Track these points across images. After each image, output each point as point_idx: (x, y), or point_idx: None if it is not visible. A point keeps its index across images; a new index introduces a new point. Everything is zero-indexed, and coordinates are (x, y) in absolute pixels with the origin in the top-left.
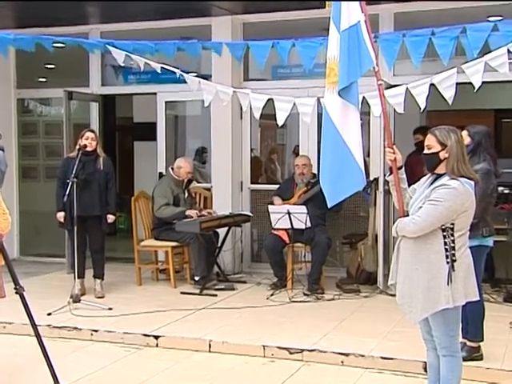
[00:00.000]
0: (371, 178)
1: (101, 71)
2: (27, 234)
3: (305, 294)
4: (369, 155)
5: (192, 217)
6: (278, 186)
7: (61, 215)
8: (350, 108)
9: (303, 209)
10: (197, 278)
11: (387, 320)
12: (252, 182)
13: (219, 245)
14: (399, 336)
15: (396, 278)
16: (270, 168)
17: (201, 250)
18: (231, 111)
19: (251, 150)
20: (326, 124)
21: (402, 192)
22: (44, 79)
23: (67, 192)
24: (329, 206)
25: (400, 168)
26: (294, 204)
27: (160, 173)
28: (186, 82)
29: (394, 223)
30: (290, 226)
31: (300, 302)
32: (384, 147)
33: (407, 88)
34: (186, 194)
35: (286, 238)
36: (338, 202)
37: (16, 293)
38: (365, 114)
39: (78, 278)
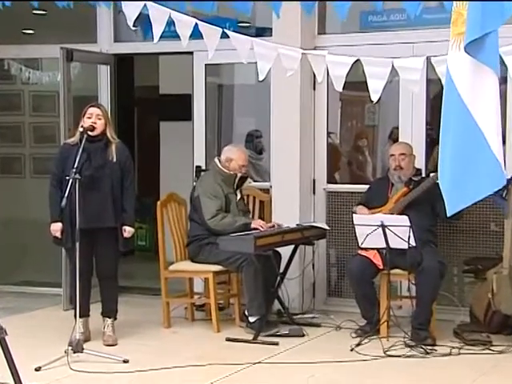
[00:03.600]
0: (508, 176)
1: (113, 21)
2: (8, 254)
3: (407, 346)
4: (504, 142)
5: (260, 228)
6: (367, 186)
7: (57, 227)
8: (486, 72)
9: (404, 220)
10: (250, 319)
11: None
12: (329, 181)
13: (282, 271)
14: None
15: None
16: (355, 160)
17: (256, 278)
18: (300, 80)
19: (328, 134)
20: (448, 96)
21: None
22: (31, 31)
23: (66, 194)
24: (448, 215)
25: None
26: (389, 212)
27: (197, 167)
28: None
29: None
30: (384, 245)
31: (400, 356)
32: None
33: None
34: (239, 196)
35: (378, 261)
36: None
37: None
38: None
39: (81, 316)
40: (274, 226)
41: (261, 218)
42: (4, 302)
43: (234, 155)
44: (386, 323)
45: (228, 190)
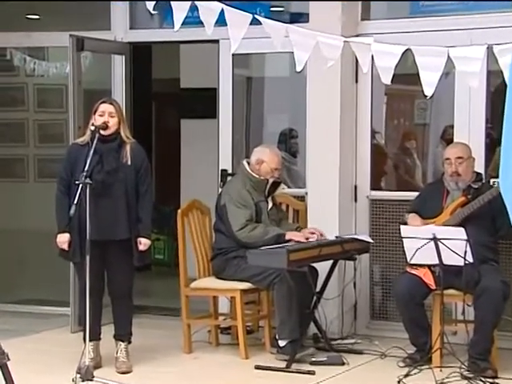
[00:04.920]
0: None
1: (129, 6)
2: (8, 269)
3: (464, 378)
4: None
5: (296, 242)
6: (416, 193)
7: (64, 239)
8: None
9: (460, 232)
10: (282, 344)
11: None
12: (373, 188)
13: (319, 289)
14: None
15: None
16: (403, 164)
17: (289, 298)
18: (340, 72)
19: (373, 134)
20: None
21: None
22: (37, 16)
23: (75, 201)
24: None
25: None
26: (443, 224)
27: (223, 170)
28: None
29: None
30: (436, 261)
31: None
32: None
33: None
34: (270, 204)
35: (430, 280)
36: None
37: None
38: None
39: (91, 340)
40: (313, 233)
41: (299, 226)
42: (3, 324)
43: (265, 157)
44: (438, 351)
45: (258, 198)
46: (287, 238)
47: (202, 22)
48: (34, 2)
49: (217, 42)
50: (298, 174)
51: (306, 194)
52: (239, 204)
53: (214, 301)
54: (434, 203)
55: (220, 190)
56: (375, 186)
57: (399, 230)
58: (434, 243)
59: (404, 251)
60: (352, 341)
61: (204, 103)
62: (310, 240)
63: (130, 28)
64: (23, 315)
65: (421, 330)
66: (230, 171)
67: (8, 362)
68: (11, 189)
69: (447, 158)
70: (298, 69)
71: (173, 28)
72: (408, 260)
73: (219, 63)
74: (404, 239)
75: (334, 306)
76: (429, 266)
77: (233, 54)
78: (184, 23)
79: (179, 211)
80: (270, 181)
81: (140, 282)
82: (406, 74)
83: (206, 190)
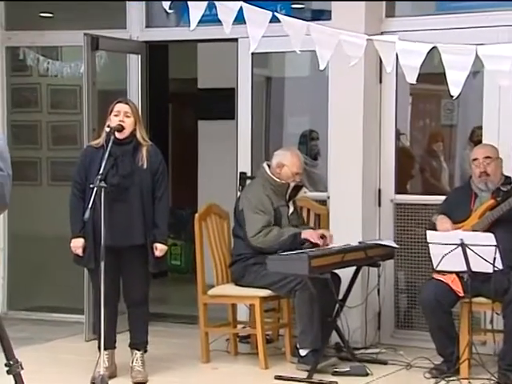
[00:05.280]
0: None
1: (145, 4)
2: (21, 275)
3: None
4: None
5: (311, 243)
6: (444, 197)
7: (78, 244)
8: None
9: (489, 238)
10: (303, 353)
11: None
12: (398, 191)
13: (341, 297)
14: None
15: None
16: (429, 166)
17: (310, 306)
18: (363, 71)
19: (397, 135)
20: None
21: None
22: (50, 15)
23: (90, 205)
24: None
25: None
26: (472, 229)
27: (242, 173)
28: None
29: None
30: (464, 268)
31: None
32: None
33: None
34: (291, 209)
35: (458, 287)
36: None
37: (8, 372)
38: None
39: (106, 348)
40: (324, 237)
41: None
42: (15, 330)
43: (286, 160)
44: (467, 362)
45: (279, 202)
46: (303, 236)
47: (220, 20)
48: (48, 0)
49: (235, 40)
50: (319, 178)
51: (328, 198)
52: (257, 209)
53: (232, 308)
54: (462, 207)
55: (239, 193)
56: (400, 189)
57: (425, 235)
58: (462, 249)
59: (430, 257)
60: (376, 350)
61: (222, 104)
62: (325, 237)
63: (146, 26)
64: (36, 323)
65: (448, 339)
66: (249, 174)
67: (21, 372)
68: (24, 192)
69: (475, 159)
70: (322, 67)
71: (190, 26)
72: (434, 266)
73: (238, 62)
74: (430, 245)
75: (357, 315)
76: (457, 273)
77: (252, 53)
78: (201, 21)
79: (197, 215)
80: (292, 185)
81: (156, 288)
82: (432, 74)
83: (225, 193)
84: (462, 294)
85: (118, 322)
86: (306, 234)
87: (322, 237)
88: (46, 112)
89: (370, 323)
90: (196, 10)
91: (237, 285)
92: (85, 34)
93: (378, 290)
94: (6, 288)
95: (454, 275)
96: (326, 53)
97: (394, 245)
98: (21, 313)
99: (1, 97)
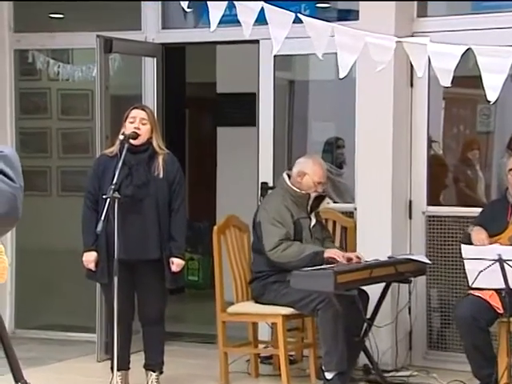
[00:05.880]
0: None
1: (161, 4)
2: (29, 292)
3: None
4: None
5: (336, 261)
6: (479, 209)
7: (90, 258)
8: None
9: None
10: (329, 376)
11: None
12: (430, 203)
13: (369, 315)
14: None
15: None
16: (463, 176)
17: (336, 325)
18: (393, 75)
19: (429, 143)
20: None
21: None
22: (61, 15)
23: (102, 217)
24: None
25: None
26: (509, 242)
27: (263, 183)
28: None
29: None
30: (503, 285)
31: None
32: None
33: None
34: (313, 221)
35: (497, 303)
36: None
37: None
38: None
39: (119, 369)
40: (351, 260)
41: (342, 248)
42: (23, 350)
43: (307, 169)
44: None
45: (299, 214)
46: (326, 256)
47: (239, 21)
48: (58, 0)
49: (257, 42)
50: (345, 188)
51: (355, 209)
52: (275, 221)
53: (253, 327)
54: (498, 219)
55: (259, 204)
56: (432, 200)
57: (460, 249)
58: (500, 265)
59: (465, 273)
60: (407, 373)
61: (242, 109)
62: (351, 259)
63: (163, 28)
64: (45, 342)
65: (485, 360)
66: (270, 184)
67: None
68: (32, 203)
69: (511, 169)
70: (342, 75)
71: (209, 27)
72: (470, 283)
73: (259, 66)
74: (465, 260)
75: (387, 335)
76: (495, 290)
77: (274, 56)
78: (221, 22)
79: (215, 228)
80: (312, 195)
81: (172, 306)
82: (467, 77)
83: (245, 204)
84: (501, 311)
85: (132, 341)
86: (330, 252)
87: (349, 260)
88: (56, 118)
89: (401, 344)
90: (216, 10)
91: (257, 302)
92: (97, 36)
93: (409, 308)
94: (14, 305)
95: (493, 292)
96: (349, 58)
97: (426, 260)
98: (29, 331)
99: (9, 102)
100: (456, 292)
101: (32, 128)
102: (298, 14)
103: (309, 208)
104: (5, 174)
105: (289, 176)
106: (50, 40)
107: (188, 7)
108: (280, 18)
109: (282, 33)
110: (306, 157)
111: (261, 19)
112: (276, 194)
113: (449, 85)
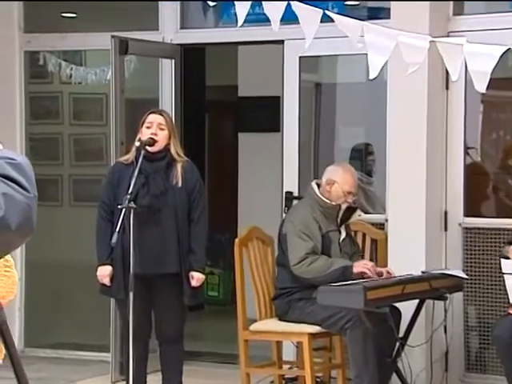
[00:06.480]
0: None
1: (180, 3)
2: (39, 308)
3: None
4: None
5: (365, 276)
6: None
7: (105, 272)
8: None
9: None
10: None
11: None
12: (467, 214)
13: (402, 334)
14: None
15: None
16: (503, 185)
17: (366, 344)
18: (427, 77)
19: (466, 150)
20: None
21: None
22: (73, 15)
23: (118, 229)
24: None
25: None
26: None
27: (288, 193)
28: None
29: None
30: None
31: None
32: None
33: None
34: (343, 234)
35: None
36: None
37: None
38: None
39: None
40: (382, 275)
41: (371, 261)
42: (34, 371)
43: (337, 177)
44: None
45: (328, 227)
46: (355, 271)
47: (264, 20)
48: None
49: (281, 42)
50: (375, 197)
51: (386, 220)
52: (301, 234)
53: (277, 346)
54: None
55: (284, 216)
56: (470, 211)
57: (499, 264)
58: None
59: (506, 289)
60: None
61: (266, 114)
62: (382, 273)
63: (181, 27)
64: (56, 361)
65: None
66: (295, 194)
67: None
68: (43, 214)
69: None
70: (372, 76)
71: (230, 27)
72: (510, 300)
73: (284, 67)
74: (505, 275)
75: (421, 355)
76: None
77: (300, 57)
78: (243, 21)
79: (237, 241)
80: (343, 207)
81: (191, 323)
82: (507, 79)
83: (268, 215)
84: None
85: (148, 360)
86: (359, 266)
87: (379, 275)
88: (68, 123)
89: (436, 365)
90: (241, 9)
91: (281, 320)
92: (112, 37)
93: (445, 327)
94: (23, 322)
95: None
96: (380, 59)
97: (463, 275)
98: (39, 350)
99: (18, 106)
100: (495, 310)
101: (42, 134)
102: (327, 11)
103: (339, 220)
104: (18, 184)
105: (318, 185)
106: (61, 41)
107: (212, 0)
108: (308, 14)
109: (310, 30)
110: (335, 164)
111: (286, 18)
112: (304, 204)
113: (484, 91)
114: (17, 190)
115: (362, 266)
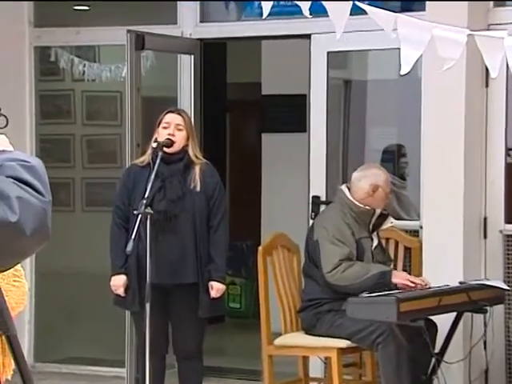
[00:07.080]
0: None
1: None
2: (50, 320)
3: None
4: None
5: (405, 287)
6: None
7: (119, 282)
8: None
9: None
10: None
11: None
12: (509, 221)
13: (438, 350)
14: None
15: None
16: None
17: (399, 360)
18: (465, 73)
19: (507, 151)
20: None
21: None
22: (86, 8)
23: (133, 236)
24: None
25: None
26: None
27: (315, 197)
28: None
29: None
30: None
31: None
32: None
33: None
34: (375, 242)
35: None
36: None
37: None
38: None
39: None
40: (416, 285)
41: (405, 271)
42: None
43: (380, 181)
44: None
45: (361, 234)
46: (394, 280)
47: (288, 12)
48: None
49: (308, 37)
50: (409, 202)
51: (421, 227)
52: (335, 240)
53: (303, 362)
54: None
55: (311, 221)
56: (511, 217)
57: None
58: None
59: None
60: None
61: (291, 113)
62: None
63: (201, 21)
64: (68, 377)
65: None
66: (323, 199)
67: None
68: (53, 220)
69: None
70: (403, 71)
71: (253, 20)
72: None
73: (310, 63)
74: None
75: (459, 372)
76: None
77: (328, 52)
78: (270, 15)
79: (260, 248)
80: (377, 212)
81: (212, 337)
82: None
83: (294, 221)
84: None
85: (165, 376)
86: (400, 277)
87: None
88: (81, 124)
89: (476, 382)
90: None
91: (307, 334)
92: (128, 31)
93: (485, 343)
94: (33, 335)
95: None
96: (413, 53)
97: (504, 286)
98: (50, 365)
99: (28, 105)
100: None
101: (54, 134)
102: (357, 3)
103: (371, 226)
104: (33, 187)
105: (348, 189)
106: (74, 36)
107: None
108: (337, 6)
109: (340, 22)
110: (370, 166)
111: (313, 10)
112: (334, 209)
113: None
114: (31, 194)
115: (403, 277)
